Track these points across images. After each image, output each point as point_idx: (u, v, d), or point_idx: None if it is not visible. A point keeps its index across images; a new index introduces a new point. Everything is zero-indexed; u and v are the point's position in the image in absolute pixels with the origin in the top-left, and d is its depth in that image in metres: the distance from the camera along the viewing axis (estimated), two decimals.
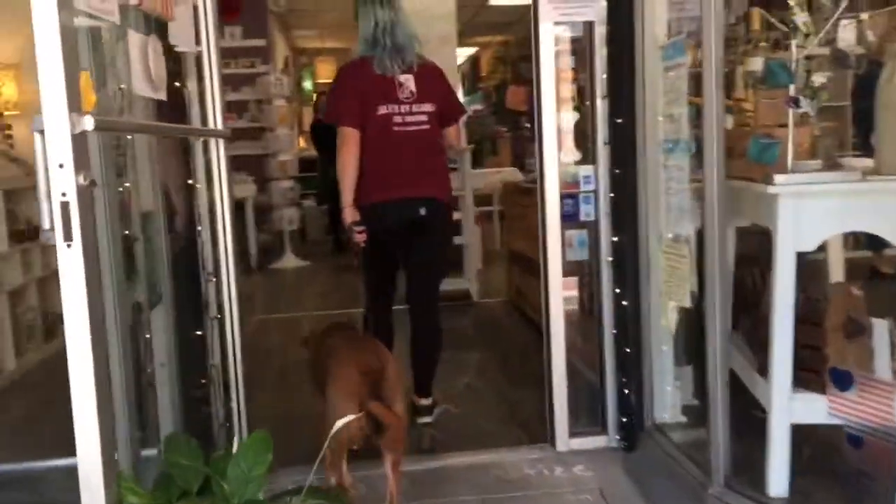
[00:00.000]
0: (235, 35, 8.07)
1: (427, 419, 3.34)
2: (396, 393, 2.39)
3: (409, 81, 3.13)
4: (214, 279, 2.74)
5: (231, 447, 1.97)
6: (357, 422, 2.11)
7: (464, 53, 13.36)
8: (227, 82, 8.16)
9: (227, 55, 8.22)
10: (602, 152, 2.95)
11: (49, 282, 4.69)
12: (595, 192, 2.99)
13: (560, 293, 2.98)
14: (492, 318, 5.12)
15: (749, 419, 2.51)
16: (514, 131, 7.64)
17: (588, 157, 3.00)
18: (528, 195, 4.61)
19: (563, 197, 2.97)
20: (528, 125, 6.76)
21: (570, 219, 3.00)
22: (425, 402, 3.35)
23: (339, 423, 1.88)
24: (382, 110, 3.08)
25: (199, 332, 2.73)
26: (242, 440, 2.40)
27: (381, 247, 3.18)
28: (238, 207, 7.82)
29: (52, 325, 4.68)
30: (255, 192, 7.63)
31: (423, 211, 3.12)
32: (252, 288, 6.58)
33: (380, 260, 3.28)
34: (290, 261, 7.74)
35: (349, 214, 3.09)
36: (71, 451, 1.45)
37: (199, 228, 2.72)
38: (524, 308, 5.00)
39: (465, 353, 4.35)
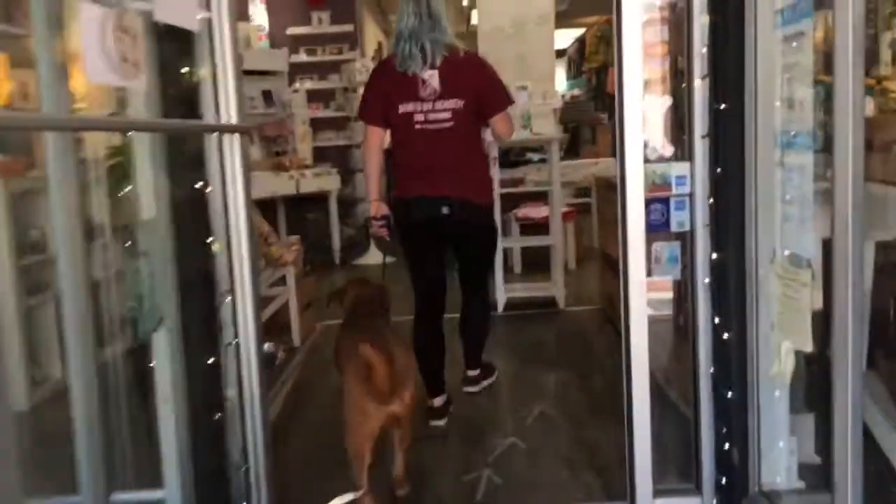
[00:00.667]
0: (323, 20, 7.78)
1: (472, 389, 3.61)
2: (403, 380, 2.49)
3: (433, 79, 3.07)
4: (230, 298, 2.36)
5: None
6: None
7: (570, 35, 12.67)
8: (314, 70, 7.97)
9: (314, 41, 8.03)
10: (700, 147, 2.37)
11: None
12: (691, 195, 2.41)
13: (643, 320, 2.41)
14: (579, 331, 4.56)
15: (886, 486, 1.94)
16: (615, 118, 6.99)
17: (682, 152, 2.43)
18: (615, 190, 4.05)
19: (649, 202, 2.41)
20: None
21: (658, 228, 2.44)
22: (472, 372, 3.63)
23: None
24: (403, 108, 3.09)
25: (211, 361, 2.35)
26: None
27: (417, 244, 3.25)
28: (321, 200, 7.62)
29: None
30: (339, 184, 7.33)
31: (444, 210, 3.11)
32: (330, 287, 6.27)
33: (419, 259, 3.28)
34: (371, 257, 7.40)
35: (373, 208, 3.22)
36: None
37: (212, 239, 2.33)
38: (616, 320, 4.42)
39: (544, 374, 3.84)
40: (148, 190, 2.22)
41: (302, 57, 7.76)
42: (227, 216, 2.34)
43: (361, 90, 7.45)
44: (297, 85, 7.68)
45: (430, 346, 3.30)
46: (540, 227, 6.23)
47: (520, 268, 6.26)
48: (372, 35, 9.32)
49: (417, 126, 3.07)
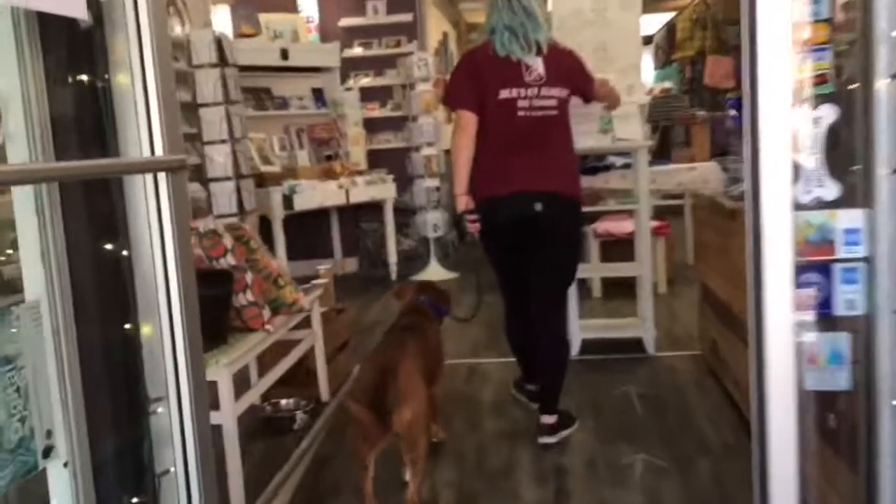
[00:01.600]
0: (379, 10, 7.03)
1: (549, 439, 3.09)
2: (403, 398, 2.36)
3: (537, 64, 2.96)
4: (161, 409, 1.61)
5: None
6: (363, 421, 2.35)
7: (656, 20, 11.56)
8: (369, 65, 7.23)
9: (368, 34, 7.30)
10: (886, 186, 1.48)
11: None
12: (868, 261, 1.52)
13: (791, 451, 1.55)
14: (675, 387, 3.65)
15: None
16: (714, 115, 6.00)
17: (854, 194, 1.55)
18: (730, 218, 3.13)
19: (799, 269, 1.53)
20: (734, 110, 5.14)
21: (816, 310, 1.56)
22: (548, 419, 3.12)
23: None
24: (505, 94, 2.92)
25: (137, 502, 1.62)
26: None
27: (501, 247, 3.14)
28: (376, 209, 6.92)
29: None
30: (395, 192, 6.59)
31: (538, 206, 2.93)
32: (379, 311, 5.53)
33: (503, 262, 3.21)
34: (434, 272, 6.63)
35: (462, 202, 3.00)
36: None
37: (129, 326, 1.59)
38: (722, 375, 3.51)
39: (623, 452, 2.98)
40: (32, 258, 1.49)
41: (356, 51, 7.02)
42: (158, 288, 1.58)
43: (421, 87, 6.75)
44: (351, 82, 6.96)
45: (524, 338, 3.28)
46: (623, 244, 5.33)
47: (599, 290, 5.39)
48: (435, 26, 8.51)
49: (521, 113, 2.92)
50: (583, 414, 3.36)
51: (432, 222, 6.58)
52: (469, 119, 2.95)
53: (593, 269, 4.60)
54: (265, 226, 6.01)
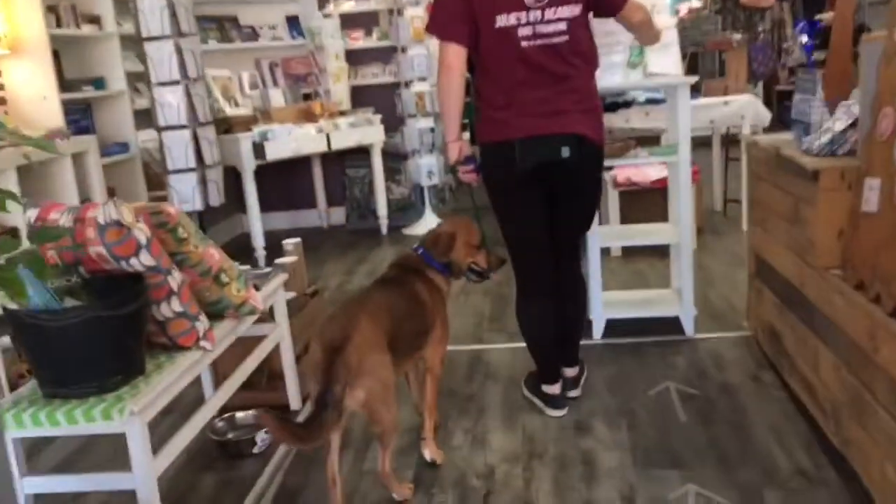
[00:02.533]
0: None
1: (575, 392, 2.91)
2: (354, 375, 2.07)
3: None
4: None
5: None
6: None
7: None
8: None
9: None
10: None
11: None
12: None
13: None
14: (723, 385, 2.97)
15: None
16: (753, 39, 5.16)
17: None
18: (810, 180, 2.41)
19: None
20: (806, 36, 4.28)
21: None
22: (571, 372, 2.93)
23: None
24: (502, 21, 2.48)
25: None
26: None
27: (520, 202, 2.65)
28: (363, 153, 6.13)
29: None
30: (384, 135, 5.81)
31: (565, 152, 2.52)
32: (367, 276, 4.83)
33: (521, 220, 2.69)
34: (428, 224, 5.90)
35: (455, 151, 2.65)
36: None
37: None
38: (785, 373, 2.83)
39: (669, 481, 2.32)
40: None
41: None
42: None
43: (411, 12, 5.88)
44: (330, 7, 6.06)
45: (543, 328, 2.80)
46: (648, 195, 4.59)
47: (619, 248, 4.68)
48: None
49: (523, 43, 2.48)
50: (613, 422, 2.71)
51: (426, 168, 5.81)
52: (456, 54, 2.51)
53: (616, 235, 3.75)
54: (234, 178, 5.26)
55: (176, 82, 4.22)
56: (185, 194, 4.35)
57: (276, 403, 2.94)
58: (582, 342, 3.04)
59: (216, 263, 2.26)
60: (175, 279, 2.04)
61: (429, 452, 2.54)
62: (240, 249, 5.58)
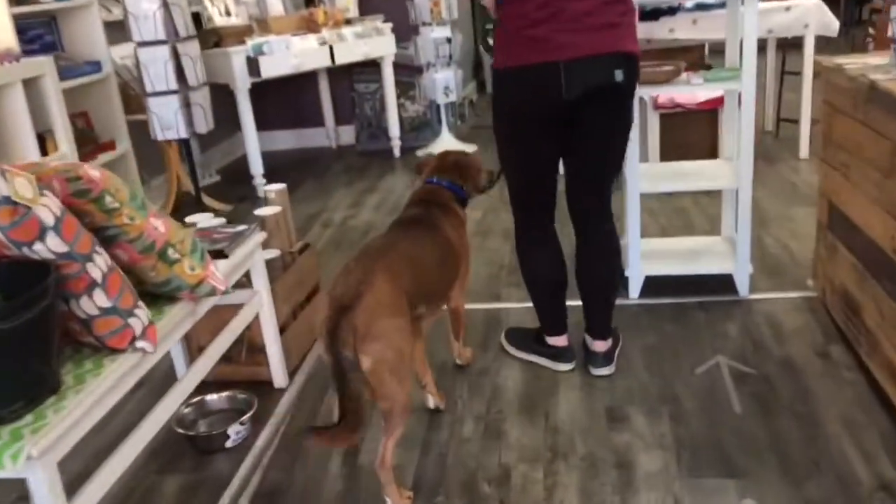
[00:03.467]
0: None
1: (606, 370, 2.45)
2: (362, 338, 1.77)
3: None
4: None
5: None
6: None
7: None
8: None
9: None
10: None
11: None
12: None
13: None
14: (784, 362, 2.49)
15: None
16: None
17: None
18: (889, 112, 1.87)
19: None
20: None
21: None
22: (601, 346, 2.46)
23: None
24: None
25: None
26: None
27: (541, 134, 2.23)
28: (371, 65, 5.53)
29: None
30: (395, 46, 5.20)
31: (619, 76, 2.11)
32: (375, 209, 4.35)
33: (537, 155, 2.27)
34: (446, 143, 5.38)
35: None
36: None
37: None
38: (863, 351, 2.35)
39: (725, 494, 1.91)
40: None
41: None
42: None
43: None
44: None
45: (551, 269, 2.43)
46: (693, 117, 4.01)
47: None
48: None
49: None
50: (652, 411, 2.27)
51: (443, 83, 5.22)
52: None
53: (659, 175, 2.99)
54: (226, 97, 4.73)
55: None
56: (167, 120, 3.86)
57: (256, 379, 2.54)
58: (617, 302, 2.58)
59: (161, 237, 1.80)
60: (98, 266, 1.59)
61: (459, 355, 2.56)
62: (238, 175, 5.11)
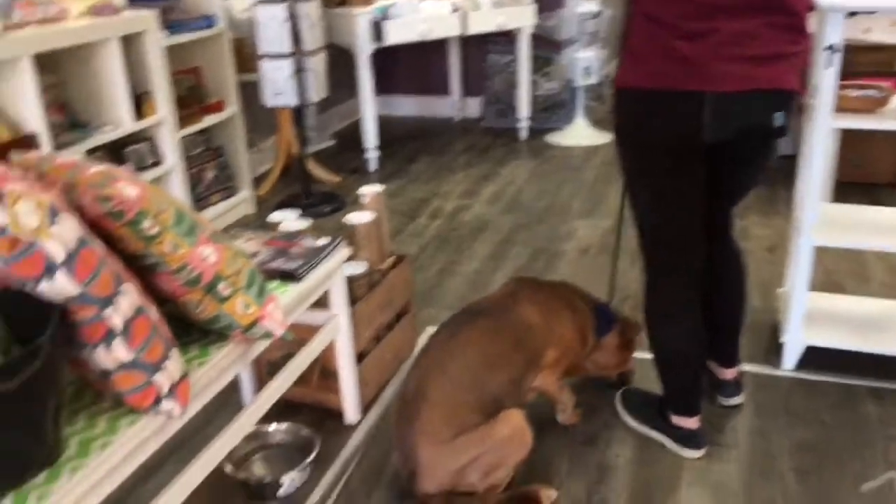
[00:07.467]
0: None
1: (737, 399, 2.19)
2: (416, 464, 1.73)
3: None
4: None
5: None
6: None
7: None
8: None
9: None
10: None
11: None
12: None
13: None
14: None
15: None
16: None
17: None
18: None
19: None
20: None
21: None
22: (731, 373, 2.18)
23: None
24: None
25: None
26: None
27: (680, 175, 1.80)
28: (507, 35, 5.01)
29: None
30: (534, 16, 4.70)
31: (779, 119, 1.71)
32: (500, 184, 3.92)
33: (679, 200, 1.83)
34: (578, 133, 4.86)
35: None
36: None
37: None
38: None
39: None
40: None
41: None
42: None
43: None
44: None
45: (695, 341, 1.95)
46: (882, 134, 3.35)
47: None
48: None
49: None
50: None
51: (584, 63, 4.69)
52: None
53: (839, 224, 2.29)
54: (349, 57, 4.41)
55: None
56: (279, 85, 3.56)
57: (326, 406, 2.22)
58: (765, 372, 2.09)
59: (209, 269, 1.46)
60: (120, 311, 1.26)
61: (562, 411, 2.17)
62: (354, 142, 4.81)
